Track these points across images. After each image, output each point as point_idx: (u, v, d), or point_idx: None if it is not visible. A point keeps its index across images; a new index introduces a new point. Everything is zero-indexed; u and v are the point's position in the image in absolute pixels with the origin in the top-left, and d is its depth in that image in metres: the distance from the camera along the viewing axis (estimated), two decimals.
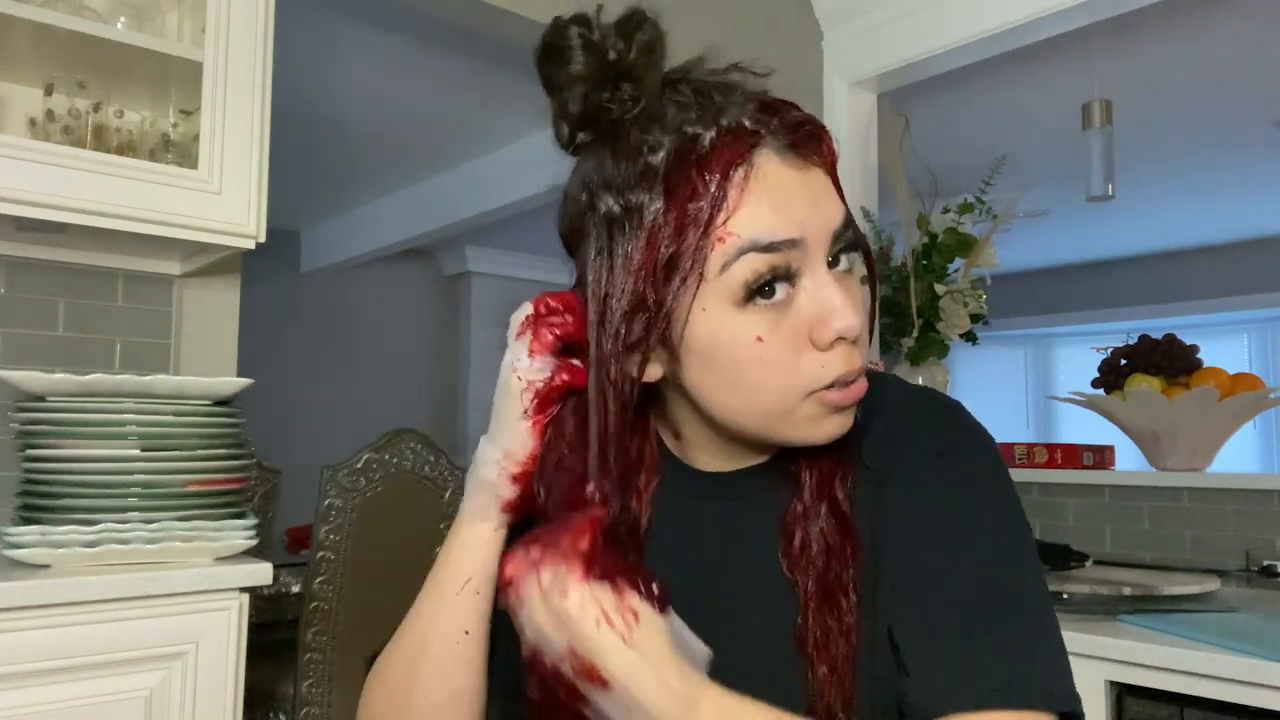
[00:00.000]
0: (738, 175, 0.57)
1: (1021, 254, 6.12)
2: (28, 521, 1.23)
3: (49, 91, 1.49)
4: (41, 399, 1.25)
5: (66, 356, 1.58)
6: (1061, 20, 2.29)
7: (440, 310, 6.07)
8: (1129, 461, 2.42)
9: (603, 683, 0.52)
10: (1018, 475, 2.24)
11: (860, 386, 0.60)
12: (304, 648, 2.11)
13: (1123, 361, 2.22)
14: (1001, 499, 0.63)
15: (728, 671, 0.57)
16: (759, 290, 0.57)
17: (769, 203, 0.57)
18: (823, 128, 0.61)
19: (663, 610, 0.56)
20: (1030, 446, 2.28)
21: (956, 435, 0.66)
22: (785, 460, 0.67)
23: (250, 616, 1.30)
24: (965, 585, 0.59)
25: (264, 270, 5.05)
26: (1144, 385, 2.08)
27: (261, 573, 1.28)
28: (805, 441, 0.62)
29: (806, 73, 2.71)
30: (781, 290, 0.58)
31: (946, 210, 2.48)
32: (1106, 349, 2.29)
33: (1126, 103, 3.05)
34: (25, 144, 1.31)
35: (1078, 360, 6.62)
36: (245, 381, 1.35)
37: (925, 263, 2.47)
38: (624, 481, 0.63)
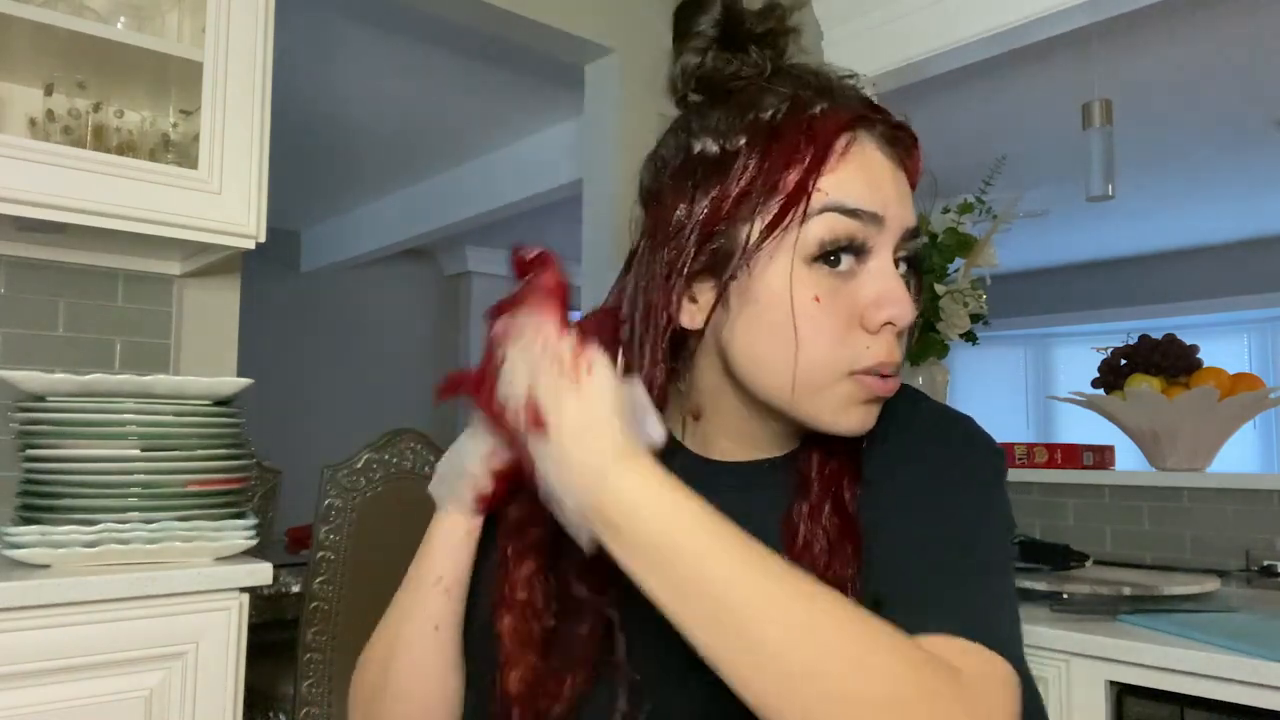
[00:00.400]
0: (841, 142, 0.60)
1: (1021, 254, 6.12)
2: (28, 521, 1.23)
3: (49, 91, 1.49)
4: (41, 399, 1.25)
5: (66, 356, 1.58)
6: (1061, 20, 2.29)
7: (440, 310, 6.07)
8: (1129, 461, 2.42)
9: (541, 426, 0.53)
10: (1018, 475, 2.24)
11: (894, 384, 0.61)
12: (304, 648, 2.11)
13: (1123, 361, 2.22)
14: (990, 497, 0.64)
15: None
16: (830, 253, 0.59)
17: (863, 175, 0.60)
18: (917, 141, 0.65)
19: (626, 380, 0.56)
20: (1030, 446, 2.28)
21: (958, 438, 0.67)
22: (796, 461, 0.67)
23: (250, 616, 1.30)
24: (941, 551, 0.59)
25: (264, 270, 5.04)
26: (1144, 385, 2.08)
27: (261, 573, 1.28)
28: (826, 426, 0.61)
29: None
30: (847, 263, 0.60)
31: (946, 210, 2.48)
32: (1106, 349, 2.29)
33: (1126, 103, 3.05)
34: (25, 144, 1.31)
35: (1078, 360, 6.62)
36: (245, 381, 1.35)
37: (925, 263, 2.47)
38: None
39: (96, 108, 1.53)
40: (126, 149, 1.54)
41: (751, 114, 0.62)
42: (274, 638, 2.24)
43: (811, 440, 0.67)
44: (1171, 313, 6.21)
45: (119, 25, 1.49)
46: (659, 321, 0.63)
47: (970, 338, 2.46)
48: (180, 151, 1.58)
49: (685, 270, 0.62)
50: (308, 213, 5.17)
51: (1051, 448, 2.27)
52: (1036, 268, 6.71)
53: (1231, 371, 2.08)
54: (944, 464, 0.65)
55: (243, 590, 1.28)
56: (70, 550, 1.18)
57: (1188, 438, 2.05)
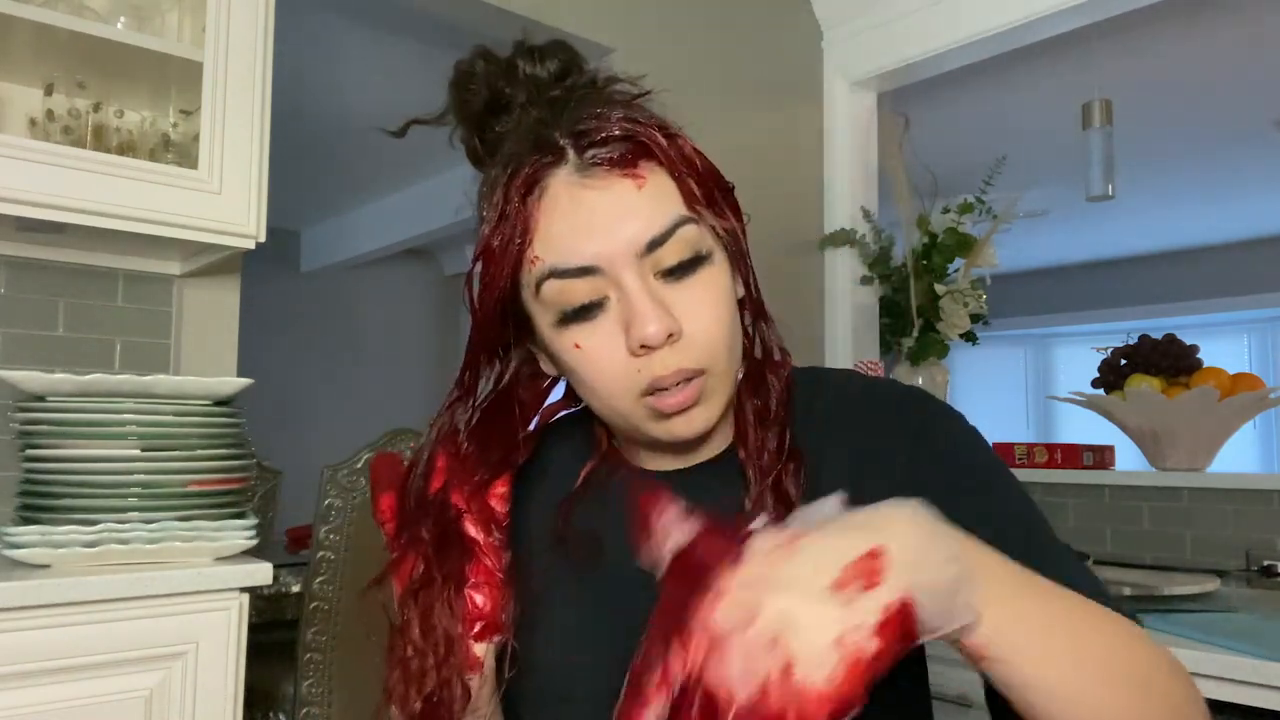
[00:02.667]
0: (533, 198, 0.61)
1: (1021, 254, 6.12)
2: (28, 521, 1.23)
3: (49, 91, 1.49)
4: (41, 399, 1.25)
5: (66, 356, 1.57)
6: (1061, 20, 2.29)
7: (440, 310, 6.07)
8: (1129, 461, 2.42)
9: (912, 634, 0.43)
10: (1018, 475, 2.23)
11: (687, 394, 0.61)
12: (304, 648, 2.11)
13: (1123, 361, 2.22)
14: (998, 463, 0.67)
15: None
16: (573, 314, 0.61)
17: (561, 225, 0.61)
18: (633, 135, 0.61)
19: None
20: (1030, 446, 2.28)
21: (932, 409, 0.68)
22: (733, 456, 0.68)
23: (250, 616, 1.30)
24: (1017, 551, 0.54)
25: (264, 270, 5.03)
26: (1144, 385, 2.08)
27: (261, 573, 1.28)
28: (663, 439, 0.64)
29: (806, 73, 2.71)
30: (595, 311, 0.61)
31: (946, 210, 2.48)
32: (1106, 349, 2.29)
33: (1126, 103, 3.05)
34: (25, 144, 1.31)
35: (1078, 360, 6.61)
36: (245, 381, 1.35)
37: (925, 263, 2.47)
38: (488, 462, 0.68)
39: (96, 108, 1.53)
40: (126, 149, 1.53)
41: (487, 193, 0.65)
42: (274, 638, 2.24)
43: (737, 436, 0.68)
44: (1171, 313, 6.20)
45: (119, 25, 1.49)
46: (487, 386, 0.68)
47: (970, 338, 2.47)
48: (180, 151, 1.57)
49: (498, 347, 0.68)
50: (308, 213, 5.17)
51: (1051, 448, 2.27)
52: (1036, 268, 6.70)
53: (1231, 371, 2.09)
54: (952, 455, 0.65)
55: (243, 590, 1.28)
56: (70, 550, 1.18)
57: (1188, 438, 2.05)
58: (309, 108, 3.53)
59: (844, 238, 2.58)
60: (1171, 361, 2.13)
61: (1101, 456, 2.27)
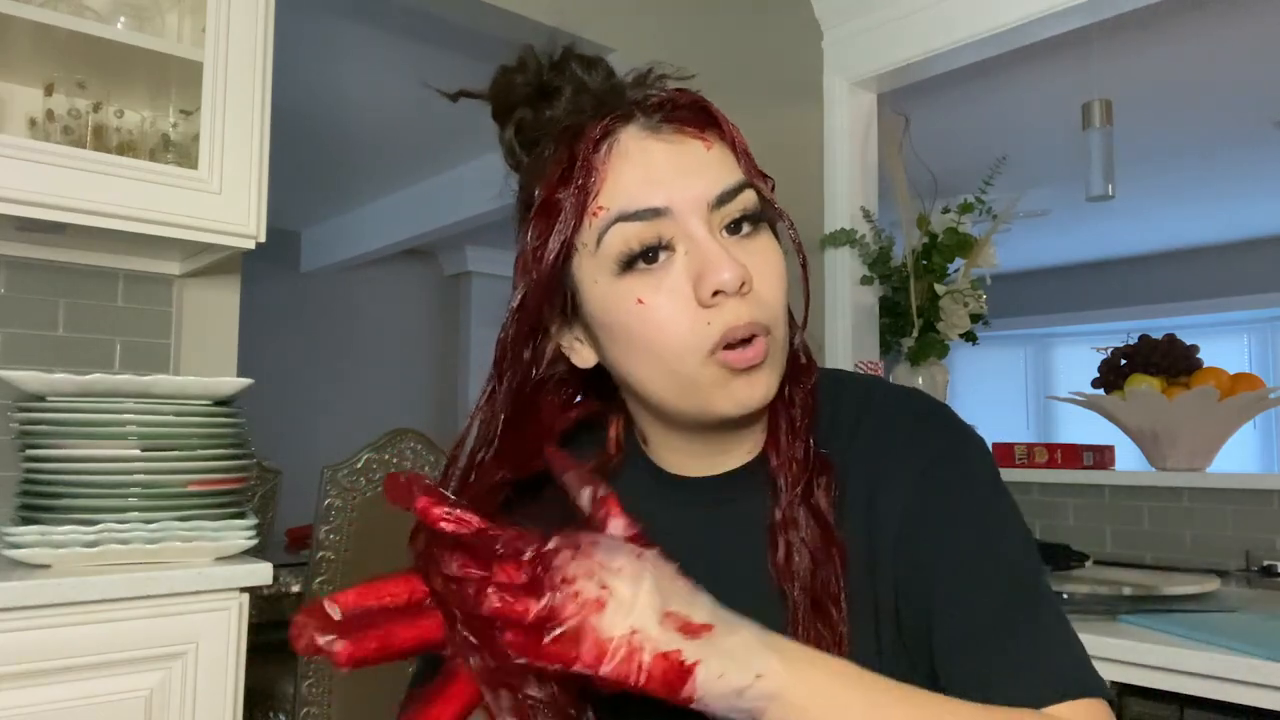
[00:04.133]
0: (602, 151, 0.61)
1: (1021, 254, 6.12)
2: (28, 521, 1.23)
3: (49, 91, 1.49)
4: (41, 399, 1.25)
5: (66, 356, 1.57)
6: (1061, 20, 2.29)
7: (440, 310, 6.07)
8: (1129, 461, 2.42)
9: (707, 629, 0.48)
10: (1018, 475, 2.24)
11: (757, 350, 0.60)
12: None
13: (1123, 361, 2.22)
14: (1005, 497, 0.64)
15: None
16: (637, 258, 0.60)
17: (632, 174, 0.60)
18: (704, 106, 0.63)
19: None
20: (1030, 446, 2.28)
21: (951, 437, 0.66)
22: (763, 468, 0.67)
23: (250, 616, 1.30)
24: (996, 587, 0.59)
25: (264, 270, 5.04)
26: (1144, 385, 2.08)
27: (261, 573, 1.28)
28: (722, 410, 0.62)
29: (806, 73, 2.71)
30: (663, 256, 0.60)
31: (946, 210, 2.48)
32: (1106, 349, 2.29)
33: (1126, 103, 3.05)
34: (25, 144, 1.31)
35: (1078, 360, 6.62)
36: (245, 381, 1.35)
37: (925, 263, 2.47)
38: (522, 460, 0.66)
39: (96, 108, 1.53)
40: (126, 149, 1.53)
41: (539, 159, 0.63)
42: (274, 638, 2.24)
43: (768, 443, 0.67)
44: (1171, 313, 6.20)
45: (119, 25, 1.49)
46: (520, 375, 0.66)
47: (970, 338, 2.47)
48: (180, 151, 1.57)
49: (526, 325, 0.65)
50: (308, 213, 5.17)
51: (1051, 448, 2.27)
52: (1036, 268, 6.71)
53: (1231, 371, 2.09)
54: (952, 482, 0.64)
55: (243, 590, 1.28)
56: (70, 550, 1.18)
57: (1188, 438, 2.05)
58: (309, 108, 3.53)
59: (844, 238, 2.59)
60: (1171, 361, 2.13)
61: (1101, 456, 2.27)
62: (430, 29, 2.88)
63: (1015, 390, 7.11)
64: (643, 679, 0.46)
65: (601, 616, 0.46)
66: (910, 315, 2.46)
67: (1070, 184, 4.15)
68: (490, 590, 0.47)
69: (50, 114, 1.49)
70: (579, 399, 0.73)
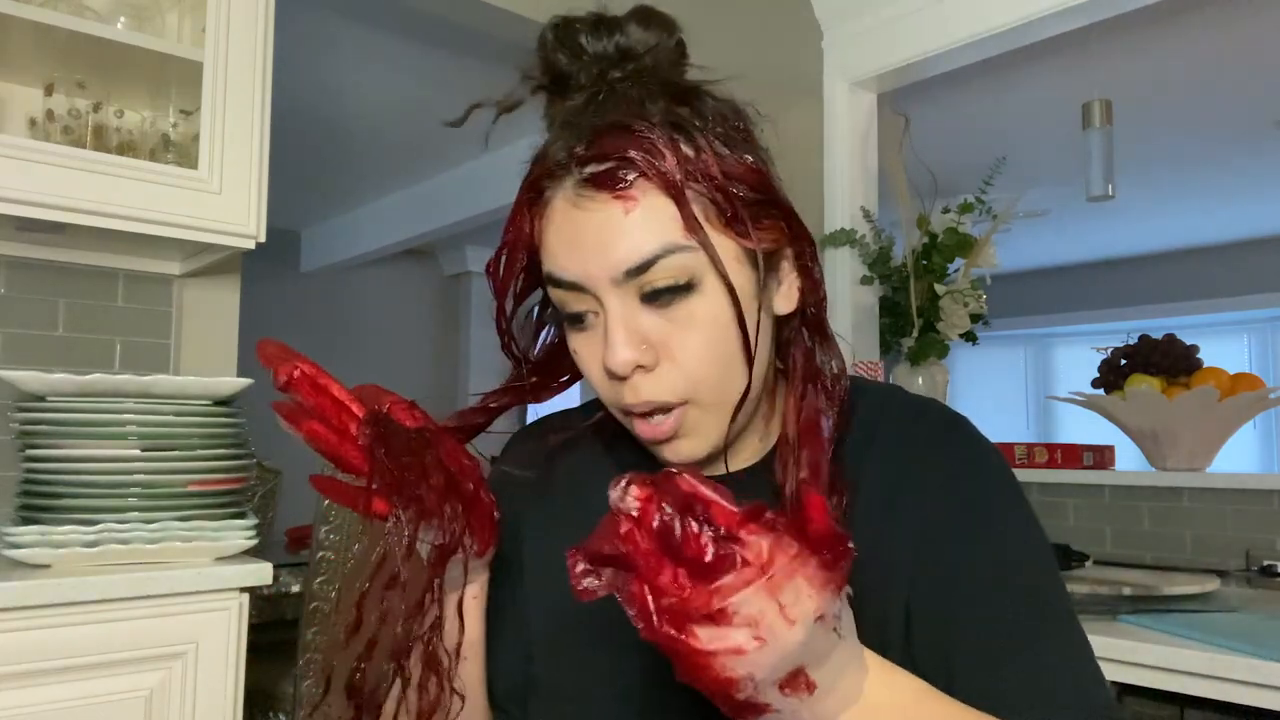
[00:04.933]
0: (537, 207, 0.62)
1: (1021, 254, 6.12)
2: (28, 521, 1.23)
3: (49, 91, 1.49)
4: (41, 399, 1.25)
5: (66, 356, 1.57)
6: (1061, 20, 2.29)
7: (440, 310, 6.07)
8: (1129, 461, 2.42)
9: (811, 689, 0.47)
10: (1018, 475, 2.23)
11: (664, 428, 0.60)
12: (304, 648, 2.11)
13: (1123, 361, 2.22)
14: (1026, 510, 0.64)
15: None
16: (570, 317, 0.62)
17: (556, 239, 0.61)
18: (629, 160, 0.58)
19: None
20: (1030, 446, 2.28)
21: (973, 450, 0.66)
22: (770, 471, 0.66)
23: (250, 616, 1.30)
24: (1016, 603, 0.60)
25: (264, 270, 5.03)
26: (1144, 385, 2.08)
27: (261, 573, 1.28)
28: (660, 459, 0.63)
29: (806, 73, 2.71)
30: (590, 319, 0.62)
31: (946, 210, 2.48)
32: (1106, 349, 2.29)
33: (1126, 103, 3.05)
34: (25, 144, 1.31)
35: (1078, 360, 6.61)
36: (245, 381, 1.35)
37: (925, 263, 2.47)
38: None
39: (96, 108, 1.53)
40: (126, 149, 1.53)
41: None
42: (274, 638, 2.24)
43: (778, 447, 0.66)
44: (1171, 313, 6.20)
45: (119, 25, 1.49)
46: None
47: (970, 338, 2.47)
48: (180, 151, 1.57)
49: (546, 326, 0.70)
50: (308, 213, 5.17)
51: (1051, 448, 2.27)
52: (1036, 268, 6.70)
53: (1231, 371, 2.08)
54: (973, 498, 0.63)
55: (243, 590, 1.28)
56: (70, 550, 1.18)
57: (1188, 438, 2.05)
58: (309, 108, 3.53)
59: (844, 238, 2.58)
60: (1171, 361, 2.13)
61: (1101, 456, 2.27)
62: (430, 29, 2.88)
63: (1015, 390, 7.11)
64: (722, 705, 0.46)
65: (738, 660, 0.43)
66: (910, 315, 2.46)
67: (1070, 184, 4.15)
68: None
69: (50, 114, 1.49)
70: None
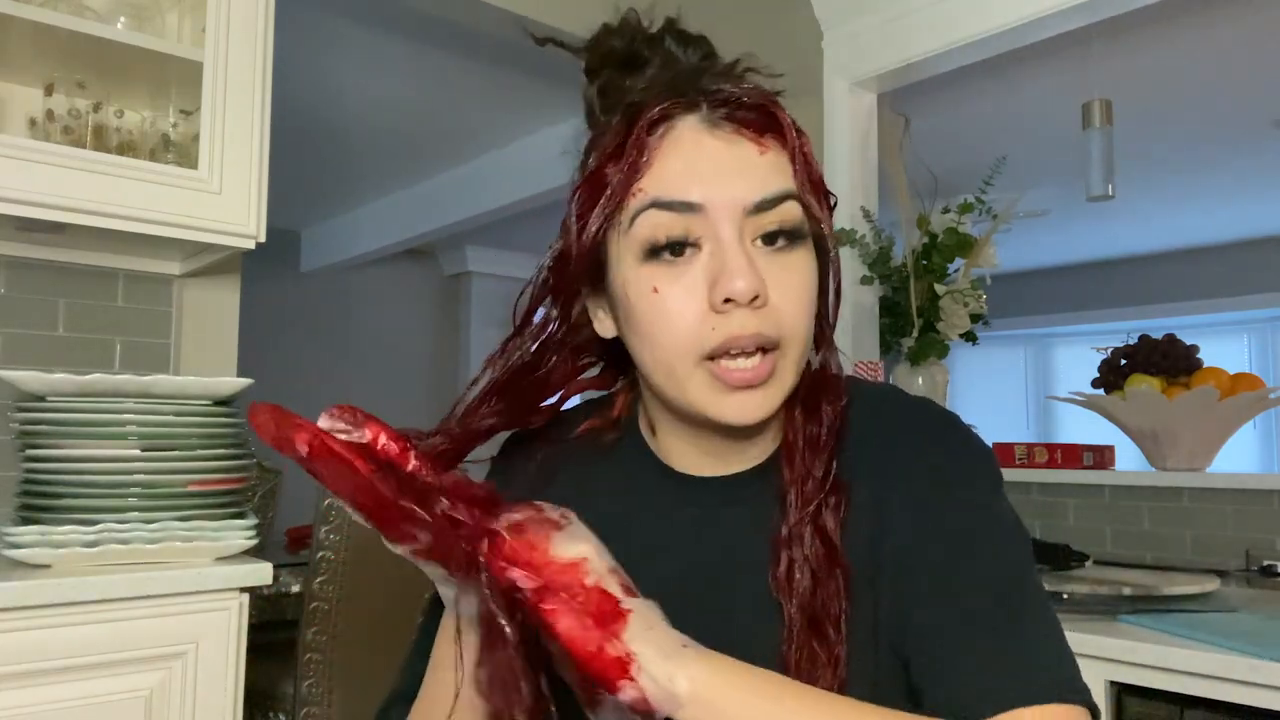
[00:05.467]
0: (656, 135, 0.60)
1: (1021, 254, 6.11)
2: (28, 521, 1.23)
3: (49, 91, 1.49)
4: (41, 399, 1.25)
5: (66, 356, 1.57)
6: (1061, 20, 2.29)
7: (440, 310, 6.07)
8: (1129, 461, 2.42)
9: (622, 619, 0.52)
10: (1018, 475, 2.24)
11: (759, 371, 0.60)
12: (304, 648, 2.11)
13: (1123, 361, 2.22)
14: (1004, 509, 0.64)
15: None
16: (662, 249, 0.60)
17: (677, 163, 0.60)
18: (773, 111, 0.62)
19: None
20: (1030, 446, 2.28)
21: (959, 449, 0.66)
22: (773, 475, 0.66)
23: (250, 616, 1.30)
24: (987, 594, 0.58)
25: (264, 270, 5.03)
26: (1144, 385, 2.08)
27: (261, 573, 1.28)
28: (712, 416, 0.61)
29: (806, 73, 2.71)
30: (688, 252, 0.60)
31: (946, 210, 2.48)
32: (1106, 349, 2.29)
33: (1126, 103, 3.05)
34: (25, 144, 1.31)
35: (1078, 360, 6.61)
36: (245, 381, 1.35)
37: (925, 263, 2.47)
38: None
39: (96, 108, 1.53)
40: (126, 149, 1.53)
41: (603, 129, 0.64)
42: (274, 638, 2.24)
43: (780, 452, 0.66)
44: (1171, 313, 6.20)
45: (119, 25, 1.49)
46: (543, 332, 0.67)
47: (970, 338, 2.46)
48: (180, 151, 1.57)
49: (551, 289, 0.66)
50: (308, 213, 5.17)
51: (1051, 448, 2.27)
52: (1036, 268, 6.70)
53: (1231, 371, 2.08)
54: (947, 490, 0.63)
55: (243, 590, 1.28)
56: (70, 550, 1.18)
57: (1188, 438, 2.05)
58: (309, 108, 3.53)
59: (844, 238, 2.58)
60: (1171, 361, 2.13)
61: (1101, 456, 2.27)
62: (430, 29, 2.88)
63: (1015, 390, 7.11)
64: (581, 599, 0.51)
65: (558, 534, 0.52)
66: (910, 315, 2.46)
67: (1070, 184, 4.14)
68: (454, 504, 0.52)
69: (50, 114, 1.49)
70: (594, 369, 0.73)
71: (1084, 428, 2.97)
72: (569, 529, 0.54)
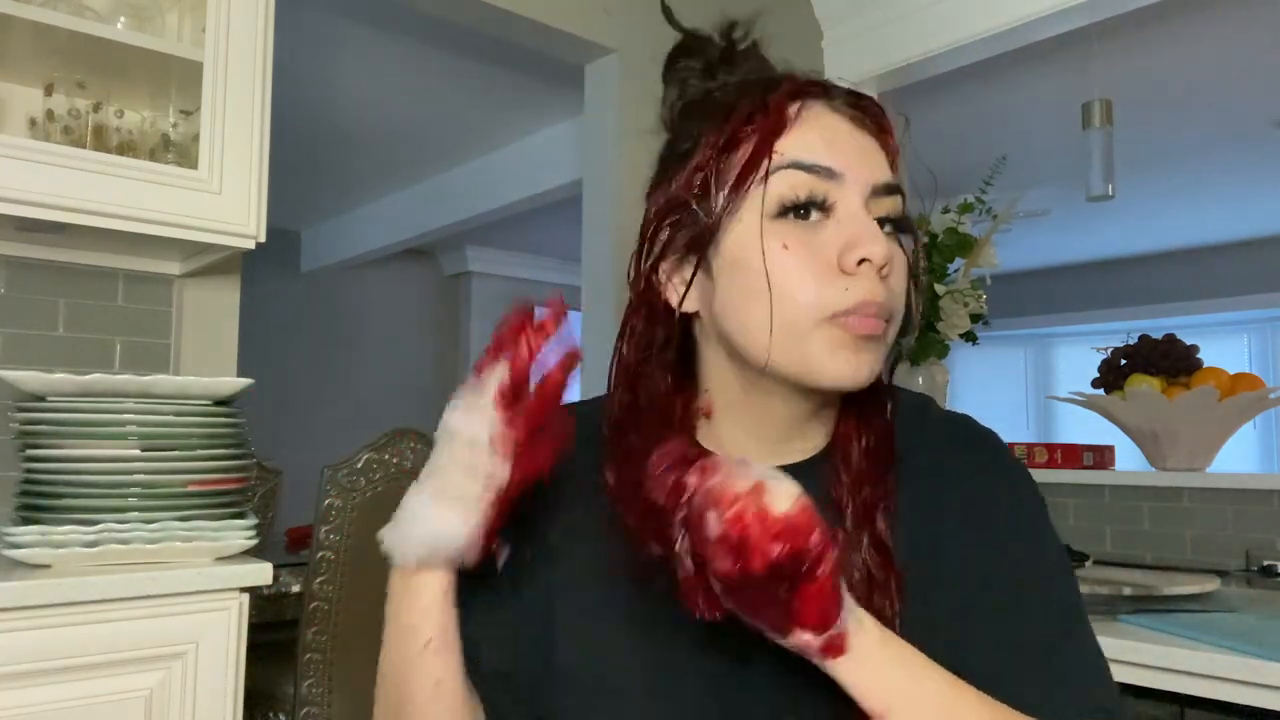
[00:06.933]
0: (792, 109, 0.63)
1: (1021, 254, 6.11)
2: (28, 521, 1.23)
3: (49, 91, 1.49)
4: (41, 399, 1.25)
5: (66, 356, 1.57)
6: (1061, 20, 2.29)
7: (440, 310, 6.07)
8: (1129, 461, 2.42)
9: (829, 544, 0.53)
10: None
11: (879, 324, 0.61)
12: (304, 648, 2.11)
13: (1123, 361, 2.22)
14: (1053, 536, 0.67)
15: (764, 688, 0.57)
16: (793, 208, 0.61)
17: (817, 135, 0.62)
18: (885, 115, 0.65)
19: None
20: (1030, 446, 2.28)
21: (1008, 473, 0.69)
22: (824, 471, 0.67)
23: (250, 616, 1.30)
24: (1036, 606, 0.62)
25: (264, 270, 5.04)
26: (1144, 385, 2.08)
27: (261, 573, 1.28)
28: (815, 376, 0.61)
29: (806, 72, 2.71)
30: (815, 216, 0.61)
31: (946, 210, 2.48)
32: (1106, 349, 2.29)
33: (1126, 103, 3.05)
34: (25, 144, 1.31)
35: (1078, 360, 6.61)
36: (245, 381, 1.35)
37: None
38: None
39: (96, 108, 1.53)
40: (126, 149, 1.53)
41: (713, 108, 0.66)
42: (274, 638, 2.24)
43: (837, 453, 0.67)
44: (1171, 313, 6.20)
45: (119, 25, 1.49)
46: (649, 303, 0.66)
47: (970, 338, 2.46)
48: (180, 151, 1.57)
49: (663, 252, 0.66)
50: (308, 213, 5.17)
51: (1051, 448, 2.27)
52: (1036, 268, 6.70)
53: (1231, 371, 2.08)
54: (1003, 502, 0.66)
55: (243, 590, 1.28)
56: (70, 550, 1.18)
57: (1188, 438, 2.05)
58: (310, 108, 3.53)
59: None
60: (1171, 361, 2.13)
61: (1101, 456, 2.27)
62: (430, 29, 2.88)
63: (1015, 390, 7.11)
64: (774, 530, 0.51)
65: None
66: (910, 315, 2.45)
67: (1070, 184, 4.15)
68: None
69: (50, 114, 1.49)
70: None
71: (1084, 428, 2.97)
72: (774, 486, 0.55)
